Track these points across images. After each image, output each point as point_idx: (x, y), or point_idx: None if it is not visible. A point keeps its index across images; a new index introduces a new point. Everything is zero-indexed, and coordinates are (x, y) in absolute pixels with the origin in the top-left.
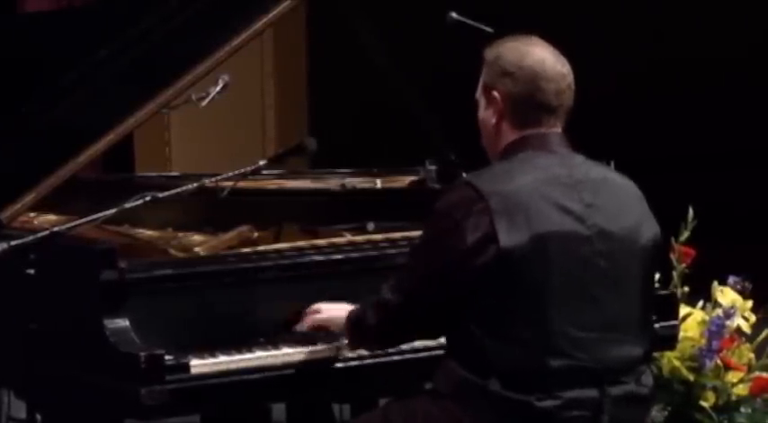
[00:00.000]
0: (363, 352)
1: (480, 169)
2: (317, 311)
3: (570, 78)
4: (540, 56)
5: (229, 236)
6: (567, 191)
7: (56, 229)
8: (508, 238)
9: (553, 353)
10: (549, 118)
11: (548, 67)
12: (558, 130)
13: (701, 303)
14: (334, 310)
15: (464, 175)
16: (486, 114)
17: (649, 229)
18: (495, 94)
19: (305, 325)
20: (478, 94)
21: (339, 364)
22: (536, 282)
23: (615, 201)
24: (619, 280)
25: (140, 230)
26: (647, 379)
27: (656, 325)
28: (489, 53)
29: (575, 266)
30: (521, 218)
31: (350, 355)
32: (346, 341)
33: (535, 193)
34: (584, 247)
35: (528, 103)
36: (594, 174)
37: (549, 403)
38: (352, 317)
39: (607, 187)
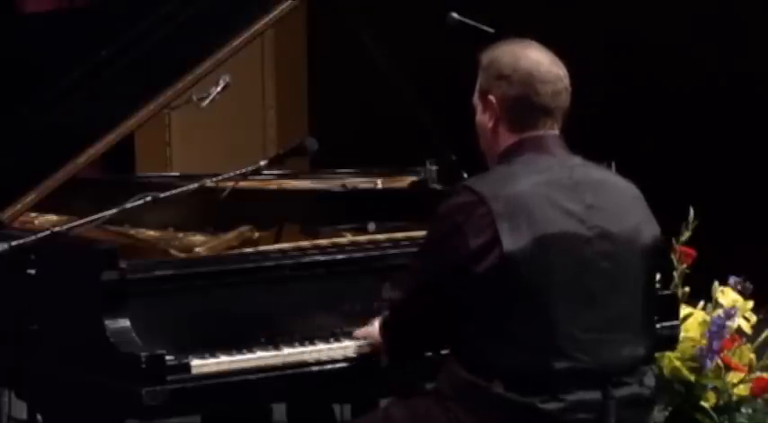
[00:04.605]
0: (364, 351)
1: (480, 173)
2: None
3: (567, 80)
4: (535, 58)
5: (230, 236)
6: (568, 193)
7: (56, 229)
8: (511, 241)
9: (557, 355)
10: (545, 120)
11: (543, 70)
12: (556, 132)
13: (701, 304)
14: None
15: (465, 175)
16: (482, 118)
17: (650, 230)
18: (491, 97)
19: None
20: (475, 98)
21: (340, 364)
22: (539, 284)
23: (615, 202)
24: (620, 280)
25: (141, 231)
26: (650, 380)
27: (657, 325)
28: (484, 58)
29: (577, 268)
30: (523, 221)
31: (350, 354)
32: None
33: (536, 196)
34: (585, 249)
35: (524, 105)
36: (594, 175)
37: (552, 406)
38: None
39: (607, 189)
